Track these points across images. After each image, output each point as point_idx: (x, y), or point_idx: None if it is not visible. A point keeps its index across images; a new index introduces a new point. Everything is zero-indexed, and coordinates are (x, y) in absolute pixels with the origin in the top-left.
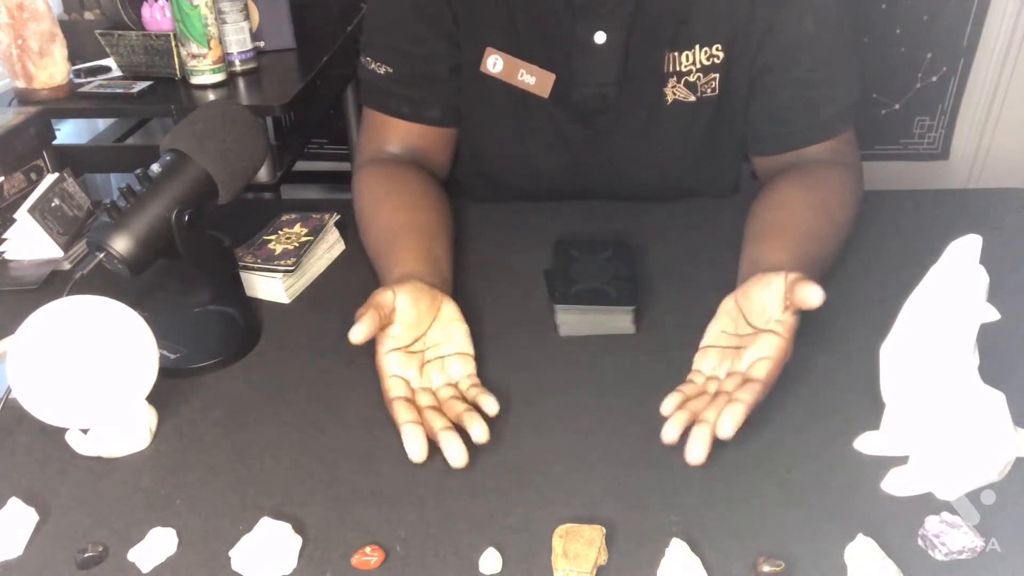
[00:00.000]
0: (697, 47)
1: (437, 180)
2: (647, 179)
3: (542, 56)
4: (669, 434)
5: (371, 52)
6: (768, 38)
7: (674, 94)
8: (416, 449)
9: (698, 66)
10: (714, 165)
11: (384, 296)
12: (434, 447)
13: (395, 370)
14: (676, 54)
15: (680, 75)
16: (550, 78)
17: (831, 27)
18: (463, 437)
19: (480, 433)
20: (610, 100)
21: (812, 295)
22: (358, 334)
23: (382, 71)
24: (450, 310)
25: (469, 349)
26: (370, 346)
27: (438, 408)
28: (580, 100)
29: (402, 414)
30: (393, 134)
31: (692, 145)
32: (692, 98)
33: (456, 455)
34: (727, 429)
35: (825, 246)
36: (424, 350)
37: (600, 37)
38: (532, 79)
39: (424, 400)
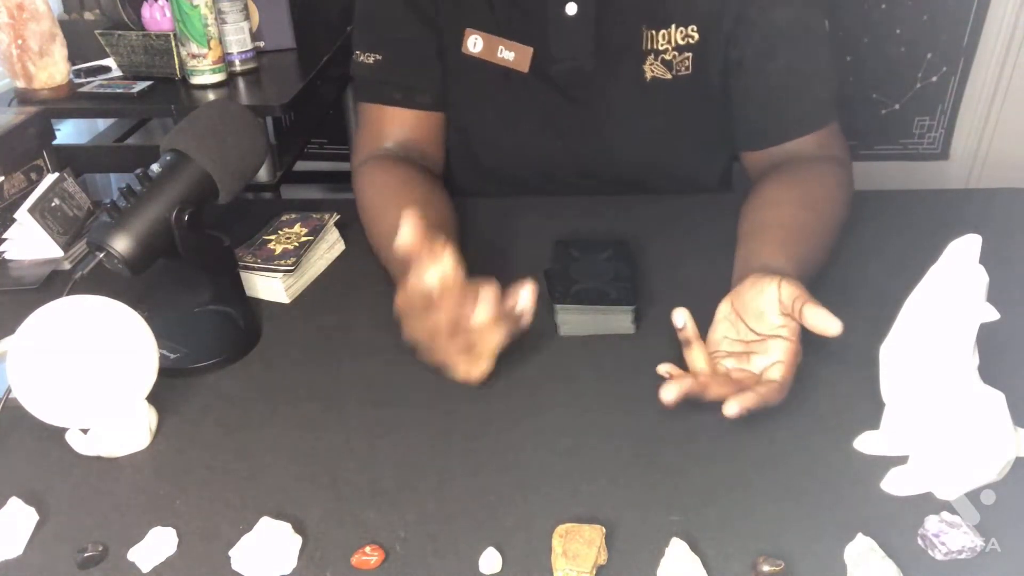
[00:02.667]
0: (673, 26)
1: (438, 176)
2: (635, 160)
3: (519, 31)
4: (668, 394)
5: (360, 44)
6: (742, 30)
7: (652, 71)
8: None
9: (674, 44)
10: (700, 149)
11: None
12: (432, 450)
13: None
14: (654, 32)
15: (657, 53)
16: (528, 52)
17: (804, 19)
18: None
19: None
20: (587, 74)
21: (829, 326)
22: (404, 236)
23: (371, 60)
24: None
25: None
26: (368, 346)
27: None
28: (558, 74)
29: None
30: (388, 126)
31: (675, 124)
32: (668, 76)
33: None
34: (733, 409)
35: (817, 242)
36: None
37: (571, 8)
38: (511, 55)
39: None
